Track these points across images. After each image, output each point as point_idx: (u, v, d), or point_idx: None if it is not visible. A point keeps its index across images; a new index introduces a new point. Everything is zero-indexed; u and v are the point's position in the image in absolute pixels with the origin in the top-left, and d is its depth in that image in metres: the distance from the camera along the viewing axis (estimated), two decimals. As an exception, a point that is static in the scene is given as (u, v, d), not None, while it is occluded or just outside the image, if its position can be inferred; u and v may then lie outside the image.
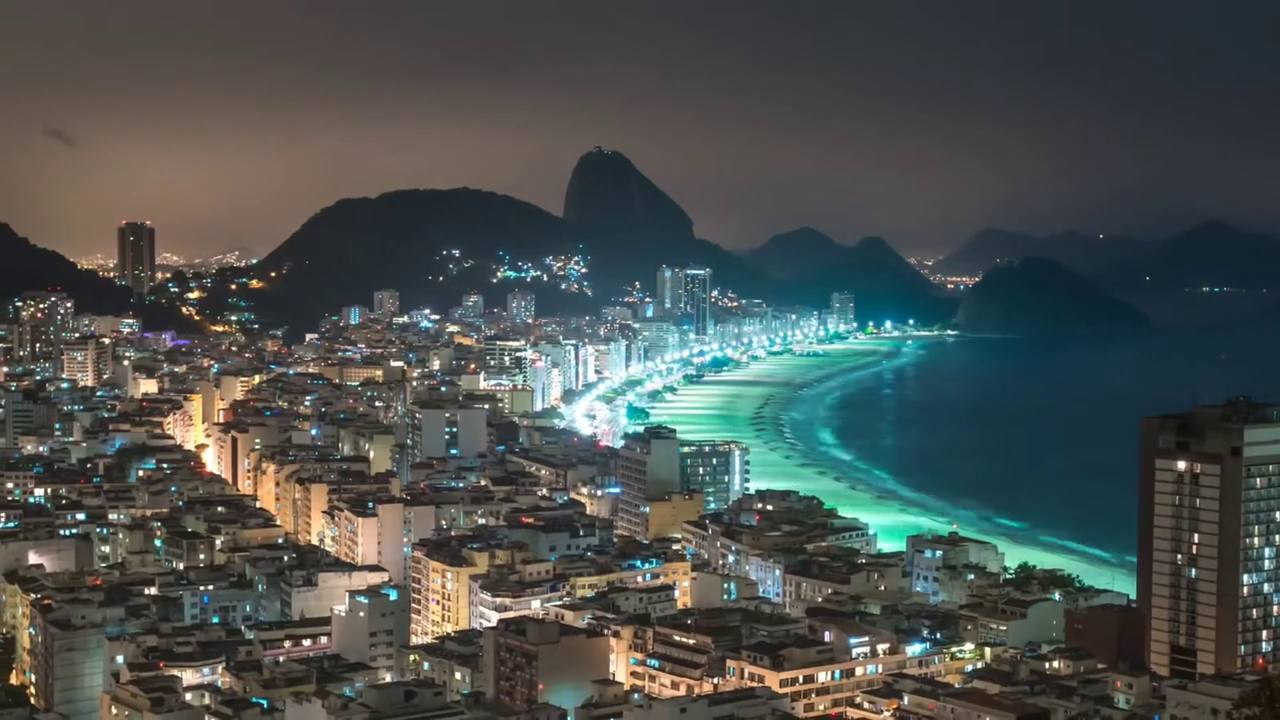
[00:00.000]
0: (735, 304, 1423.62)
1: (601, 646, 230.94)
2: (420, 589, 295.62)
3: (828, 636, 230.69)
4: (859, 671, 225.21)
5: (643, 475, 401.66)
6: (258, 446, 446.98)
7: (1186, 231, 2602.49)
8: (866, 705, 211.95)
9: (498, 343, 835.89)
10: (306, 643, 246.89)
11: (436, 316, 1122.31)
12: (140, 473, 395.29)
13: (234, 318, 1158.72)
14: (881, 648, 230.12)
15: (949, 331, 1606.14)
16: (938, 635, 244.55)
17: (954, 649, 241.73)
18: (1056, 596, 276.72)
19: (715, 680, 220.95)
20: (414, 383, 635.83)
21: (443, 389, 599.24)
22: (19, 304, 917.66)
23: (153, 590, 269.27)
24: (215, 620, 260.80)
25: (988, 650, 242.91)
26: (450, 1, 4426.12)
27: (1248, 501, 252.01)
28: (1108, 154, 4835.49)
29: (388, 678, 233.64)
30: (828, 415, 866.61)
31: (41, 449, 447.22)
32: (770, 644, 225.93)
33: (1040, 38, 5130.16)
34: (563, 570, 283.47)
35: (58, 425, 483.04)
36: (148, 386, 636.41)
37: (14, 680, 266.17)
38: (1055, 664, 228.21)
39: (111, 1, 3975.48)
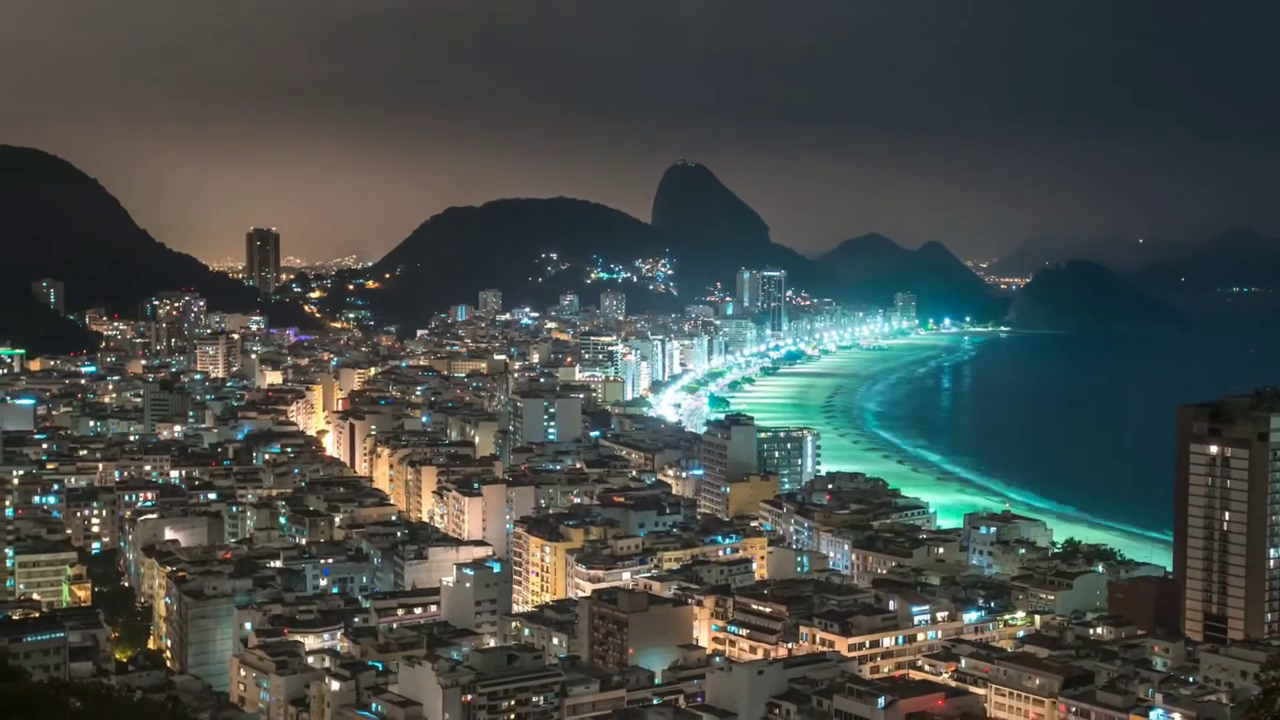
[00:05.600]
0: (808, 303, 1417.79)
1: (686, 614, 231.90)
2: (521, 562, 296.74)
3: (892, 605, 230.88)
4: (920, 637, 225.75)
5: (724, 459, 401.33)
6: (373, 432, 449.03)
7: (1217, 237, 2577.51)
8: (927, 668, 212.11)
9: (591, 338, 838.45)
10: (418, 611, 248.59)
11: (536, 314, 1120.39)
12: (266, 456, 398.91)
13: (351, 315, 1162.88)
14: (941, 615, 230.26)
15: (1002, 328, 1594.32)
16: (992, 604, 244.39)
17: (1006, 617, 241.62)
18: (1100, 569, 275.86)
19: (790, 645, 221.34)
20: (515, 374, 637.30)
21: (541, 380, 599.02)
22: (156, 303, 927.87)
23: (278, 563, 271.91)
24: (335, 590, 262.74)
25: (1037, 618, 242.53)
26: (548, 38, 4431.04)
27: (1274, 482, 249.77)
28: (1145, 166, 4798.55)
29: (491, 643, 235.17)
30: (892, 404, 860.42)
31: (177, 434, 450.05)
32: (839, 612, 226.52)
33: (1084, 61, 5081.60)
34: (651, 545, 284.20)
35: (191, 413, 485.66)
36: (273, 378, 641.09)
37: (151, 645, 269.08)
38: (1099, 630, 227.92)
39: (241, 26, 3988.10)
